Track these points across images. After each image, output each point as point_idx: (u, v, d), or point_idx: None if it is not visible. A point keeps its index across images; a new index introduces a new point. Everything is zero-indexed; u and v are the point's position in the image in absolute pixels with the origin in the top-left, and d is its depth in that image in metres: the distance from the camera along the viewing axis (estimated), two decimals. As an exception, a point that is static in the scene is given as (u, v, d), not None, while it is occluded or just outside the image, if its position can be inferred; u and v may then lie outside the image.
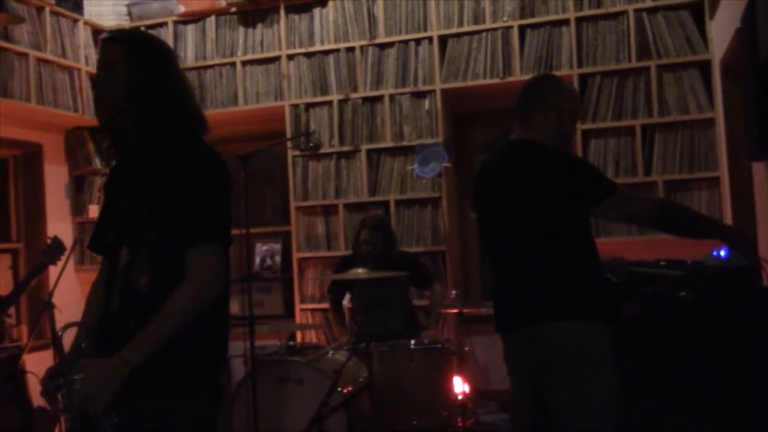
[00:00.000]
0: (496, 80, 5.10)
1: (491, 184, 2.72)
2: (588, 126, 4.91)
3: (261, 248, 5.88)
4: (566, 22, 4.98)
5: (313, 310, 5.42)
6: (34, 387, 4.42)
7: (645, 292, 2.84)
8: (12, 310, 4.15)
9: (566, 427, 2.46)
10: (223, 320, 1.96)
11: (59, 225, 5.45)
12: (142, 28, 5.79)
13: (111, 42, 1.95)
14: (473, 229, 5.69)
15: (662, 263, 2.99)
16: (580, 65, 4.95)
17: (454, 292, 4.50)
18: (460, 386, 4.17)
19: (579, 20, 4.97)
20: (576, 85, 4.89)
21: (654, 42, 4.83)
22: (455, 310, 4.41)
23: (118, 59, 1.90)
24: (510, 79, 5.04)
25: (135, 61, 1.89)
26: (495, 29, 5.11)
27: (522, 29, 5.07)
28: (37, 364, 4.41)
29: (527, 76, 4.93)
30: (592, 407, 2.43)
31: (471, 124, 5.73)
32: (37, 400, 4.45)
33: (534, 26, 5.07)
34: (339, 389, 3.71)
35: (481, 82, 5.14)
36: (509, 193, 2.60)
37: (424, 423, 3.96)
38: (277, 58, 5.56)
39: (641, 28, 4.85)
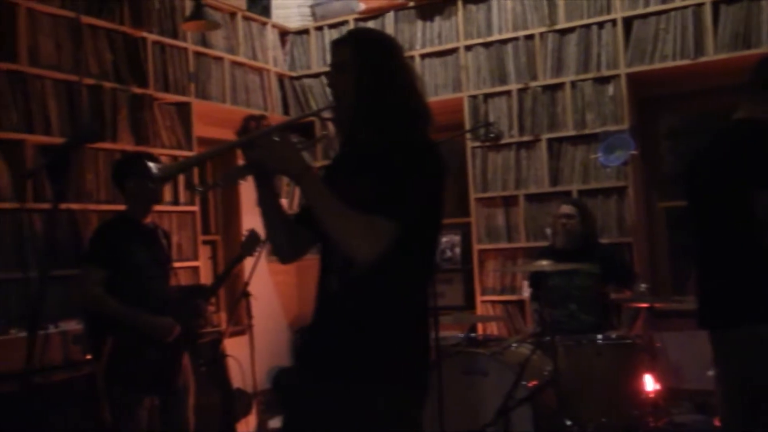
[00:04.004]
0: (686, 62, 4.82)
1: (700, 168, 2.55)
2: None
3: (441, 240, 5.93)
4: (767, -6, 4.61)
5: (493, 302, 5.39)
6: (234, 370, 4.73)
7: None
8: (213, 298, 4.44)
9: None
10: (424, 315, 1.96)
11: (253, 218, 5.75)
12: (325, 28, 6.02)
13: (340, 45, 2.01)
14: (661, 220, 5.42)
15: None
16: (783, 41, 4.57)
17: (643, 285, 4.30)
18: (651, 384, 3.99)
19: (782, -9, 4.59)
20: (779, 62, 4.50)
21: None
22: (645, 305, 4.21)
23: (347, 62, 1.96)
24: (702, 59, 4.75)
25: (362, 62, 1.94)
26: (685, 7, 4.83)
27: (715, 5, 4.75)
28: (235, 348, 4.72)
29: (721, 56, 4.65)
30: None
31: (659, 109, 5.45)
32: (237, 381, 4.76)
33: (729, 1, 4.72)
34: (524, 383, 3.67)
35: (669, 64, 4.88)
36: (718, 176, 2.44)
37: (613, 421, 3.83)
38: (455, 50, 5.56)
39: None
